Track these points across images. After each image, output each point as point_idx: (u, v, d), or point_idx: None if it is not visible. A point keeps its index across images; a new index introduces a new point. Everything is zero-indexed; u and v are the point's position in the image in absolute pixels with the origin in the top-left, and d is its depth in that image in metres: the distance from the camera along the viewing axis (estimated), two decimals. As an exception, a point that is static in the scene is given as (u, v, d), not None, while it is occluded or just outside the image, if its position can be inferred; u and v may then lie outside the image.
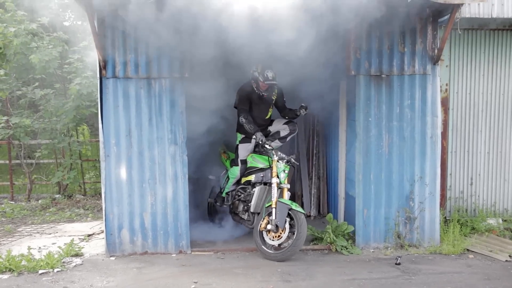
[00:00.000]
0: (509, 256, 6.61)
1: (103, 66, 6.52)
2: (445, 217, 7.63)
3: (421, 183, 7.01)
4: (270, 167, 6.88)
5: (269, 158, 6.95)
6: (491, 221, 7.61)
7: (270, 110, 7.43)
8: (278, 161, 6.78)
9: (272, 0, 5.50)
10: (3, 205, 10.63)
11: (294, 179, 9.34)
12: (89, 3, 5.97)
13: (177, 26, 6.11)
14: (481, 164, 7.90)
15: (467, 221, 7.56)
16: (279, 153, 6.89)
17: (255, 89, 7.06)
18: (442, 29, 6.79)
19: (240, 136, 7.40)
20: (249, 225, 7.15)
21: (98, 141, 7.34)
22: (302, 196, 9.19)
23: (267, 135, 7.36)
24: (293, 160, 7.06)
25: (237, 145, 7.46)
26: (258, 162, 7.20)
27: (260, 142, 6.91)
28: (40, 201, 10.90)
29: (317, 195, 9.09)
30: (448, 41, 7.57)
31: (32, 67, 10.12)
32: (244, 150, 7.38)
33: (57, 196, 11.21)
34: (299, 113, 7.22)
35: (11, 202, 11.04)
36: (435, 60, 6.92)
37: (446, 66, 7.76)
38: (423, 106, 7.00)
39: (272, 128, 7.52)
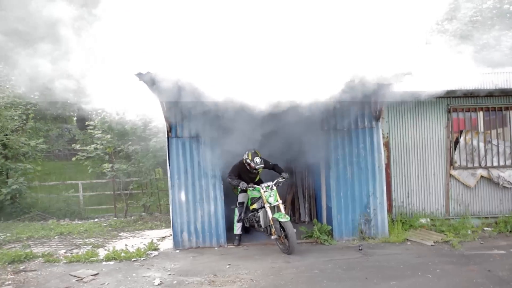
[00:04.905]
0: (433, 242, 6.72)
1: (169, 130, 6.96)
2: (392, 219, 7.69)
3: (374, 197, 7.16)
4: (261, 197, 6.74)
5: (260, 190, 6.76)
6: (422, 220, 7.65)
7: (258, 176, 7.36)
8: (264, 192, 6.60)
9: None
10: (109, 220, 11.06)
11: (293, 198, 9.55)
12: (161, 98, 6.56)
13: (210, 113, 6.58)
14: (413, 183, 7.98)
15: (407, 221, 7.61)
16: (264, 184, 6.74)
17: (247, 167, 7.00)
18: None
19: (238, 190, 7.33)
20: (265, 233, 6.97)
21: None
22: (299, 209, 9.29)
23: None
24: (280, 180, 6.85)
25: (237, 195, 7.45)
26: (255, 193, 6.97)
27: (244, 188, 6.82)
28: (132, 217, 11.16)
29: (309, 207, 9.15)
30: (386, 106, 7.84)
31: (127, 132, 10.77)
32: (241, 196, 7.33)
33: (143, 214, 11.48)
34: (282, 178, 6.99)
35: (115, 218, 11.43)
36: (377, 119, 7.19)
37: (386, 121, 7.98)
38: (372, 147, 7.22)
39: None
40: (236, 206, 7.40)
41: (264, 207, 6.68)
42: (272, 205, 6.57)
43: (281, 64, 5.59)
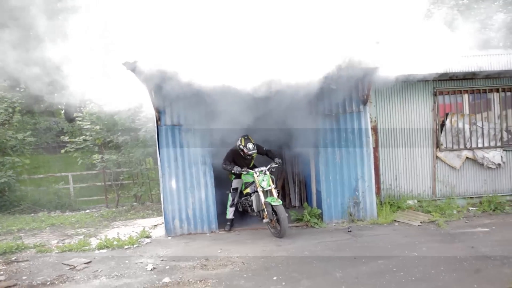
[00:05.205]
0: (420, 222, 6.90)
1: (158, 119, 6.97)
2: (381, 201, 7.82)
3: (362, 180, 7.28)
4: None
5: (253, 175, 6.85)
6: (410, 202, 7.82)
7: (252, 161, 7.38)
8: (258, 176, 6.70)
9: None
10: (101, 210, 11.09)
11: (284, 183, 9.67)
12: (149, 86, 6.55)
13: (198, 99, 6.64)
14: (401, 166, 8.13)
15: (395, 203, 7.76)
16: (257, 169, 6.79)
17: (241, 153, 7.05)
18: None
19: (233, 176, 7.44)
20: (258, 217, 7.09)
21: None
22: (290, 194, 9.42)
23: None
24: (273, 165, 6.94)
25: (232, 181, 7.50)
26: (248, 178, 7.02)
27: (238, 172, 6.93)
28: (124, 207, 11.27)
29: (299, 192, 9.25)
30: (374, 91, 7.92)
31: (116, 123, 10.73)
32: (235, 182, 7.42)
33: (134, 203, 11.57)
34: (275, 163, 7.06)
35: (106, 208, 11.47)
36: (365, 103, 7.26)
37: (374, 106, 8.08)
38: (360, 132, 7.30)
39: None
40: (230, 192, 7.49)
41: (257, 191, 6.77)
42: (265, 189, 6.65)
43: (267, 46, 5.60)
